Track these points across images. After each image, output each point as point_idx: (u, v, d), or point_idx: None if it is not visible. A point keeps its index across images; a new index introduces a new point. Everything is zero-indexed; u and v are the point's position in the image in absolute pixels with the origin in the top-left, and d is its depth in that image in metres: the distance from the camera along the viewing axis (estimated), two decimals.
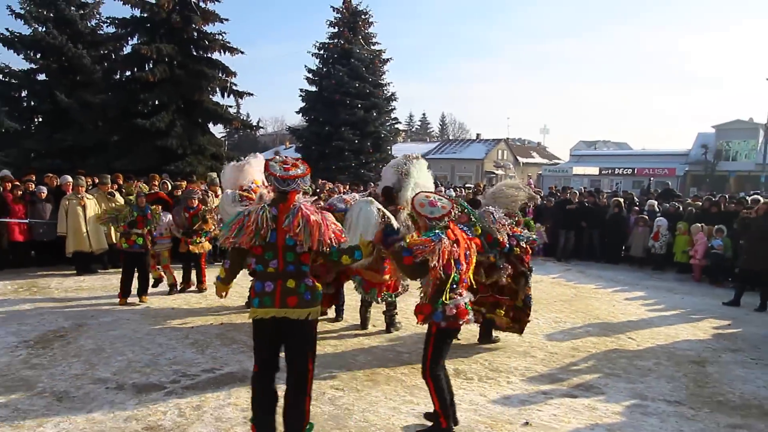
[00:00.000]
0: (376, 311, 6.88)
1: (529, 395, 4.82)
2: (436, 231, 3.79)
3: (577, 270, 11.66)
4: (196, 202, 8.38)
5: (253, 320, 3.54)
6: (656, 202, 13.01)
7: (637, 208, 12.98)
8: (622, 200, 13.14)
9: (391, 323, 6.61)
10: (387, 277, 6.21)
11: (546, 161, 51.93)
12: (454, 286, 3.82)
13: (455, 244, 3.78)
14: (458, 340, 6.29)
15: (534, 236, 6.35)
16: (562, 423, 4.30)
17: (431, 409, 3.99)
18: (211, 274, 9.54)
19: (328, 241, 3.45)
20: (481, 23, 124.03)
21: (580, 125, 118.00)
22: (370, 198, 5.82)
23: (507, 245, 5.81)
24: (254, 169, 6.83)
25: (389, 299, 6.42)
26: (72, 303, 7.49)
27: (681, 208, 12.41)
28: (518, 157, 50.12)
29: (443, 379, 3.92)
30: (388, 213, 5.30)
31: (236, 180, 6.78)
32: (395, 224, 5.05)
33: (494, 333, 6.28)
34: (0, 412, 4.09)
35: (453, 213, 3.95)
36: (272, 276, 3.46)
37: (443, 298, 3.79)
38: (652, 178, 30.49)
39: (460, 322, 3.88)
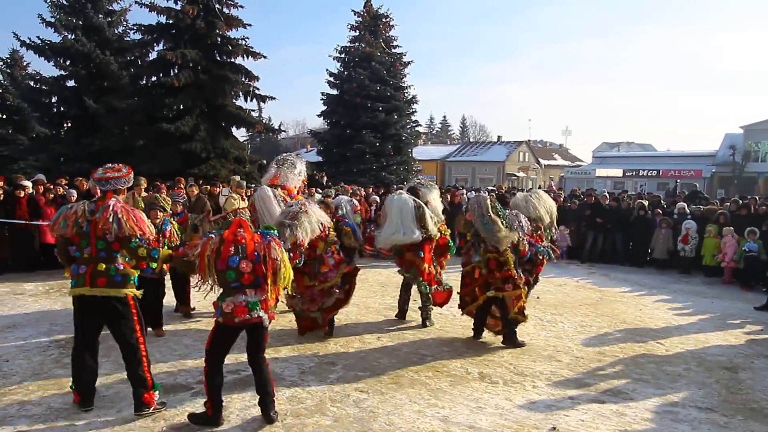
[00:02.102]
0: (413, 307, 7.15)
1: (556, 400, 4.76)
2: (214, 230, 4.09)
3: (602, 273, 11.47)
4: (180, 207, 7.18)
5: (73, 298, 4.13)
6: (685, 204, 12.73)
7: (659, 210, 12.72)
8: (646, 203, 12.92)
9: (427, 317, 6.87)
10: (426, 266, 6.69)
11: (568, 163, 51.36)
12: (235, 284, 3.91)
13: (225, 243, 3.91)
14: (482, 342, 6.26)
15: (550, 252, 6.43)
16: (590, 429, 4.23)
17: (456, 413, 3.94)
18: None
19: (136, 233, 4.01)
20: (501, 25, 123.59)
21: (603, 127, 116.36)
22: (400, 191, 7.07)
23: (528, 254, 6.08)
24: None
25: (424, 290, 6.73)
26: None
27: (702, 209, 12.16)
28: (540, 159, 49.66)
29: (217, 370, 4.05)
30: (420, 202, 6.63)
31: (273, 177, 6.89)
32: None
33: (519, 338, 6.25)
34: (34, 410, 4.20)
35: (243, 213, 4.25)
36: (86, 261, 4.05)
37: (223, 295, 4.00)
38: (678, 180, 29.84)
39: (236, 320, 3.93)
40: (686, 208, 12.38)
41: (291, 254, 5.29)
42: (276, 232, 4.30)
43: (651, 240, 12.05)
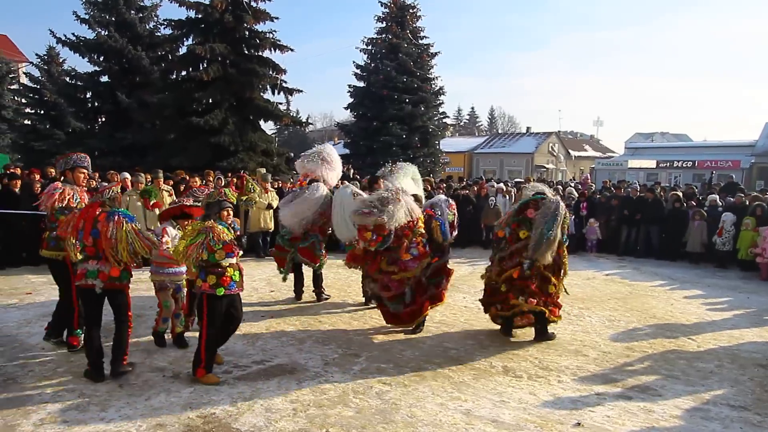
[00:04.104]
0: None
1: (581, 395, 4.69)
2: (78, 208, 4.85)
3: (632, 267, 11.23)
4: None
5: None
6: (718, 197, 12.33)
7: (693, 202, 12.35)
8: (681, 194, 12.58)
9: None
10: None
11: (599, 154, 50.23)
12: (84, 254, 4.64)
13: (77, 217, 4.63)
14: (512, 337, 6.18)
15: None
16: (616, 425, 4.16)
17: (479, 406, 3.97)
18: (256, 269, 9.70)
19: (52, 206, 5.07)
20: (531, 14, 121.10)
21: (637, 117, 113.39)
22: (345, 184, 7.59)
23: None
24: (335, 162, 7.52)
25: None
26: (131, 294, 7.80)
27: (747, 202, 11.69)
28: (570, 151, 48.68)
29: (94, 333, 4.66)
30: (359, 191, 6.89)
31: (315, 171, 7.18)
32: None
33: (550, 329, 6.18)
34: (67, 397, 4.35)
35: (107, 193, 4.70)
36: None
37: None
38: (714, 171, 28.87)
39: (77, 283, 4.71)
40: (718, 200, 12.01)
41: (375, 236, 5.79)
42: (121, 210, 4.74)
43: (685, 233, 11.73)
